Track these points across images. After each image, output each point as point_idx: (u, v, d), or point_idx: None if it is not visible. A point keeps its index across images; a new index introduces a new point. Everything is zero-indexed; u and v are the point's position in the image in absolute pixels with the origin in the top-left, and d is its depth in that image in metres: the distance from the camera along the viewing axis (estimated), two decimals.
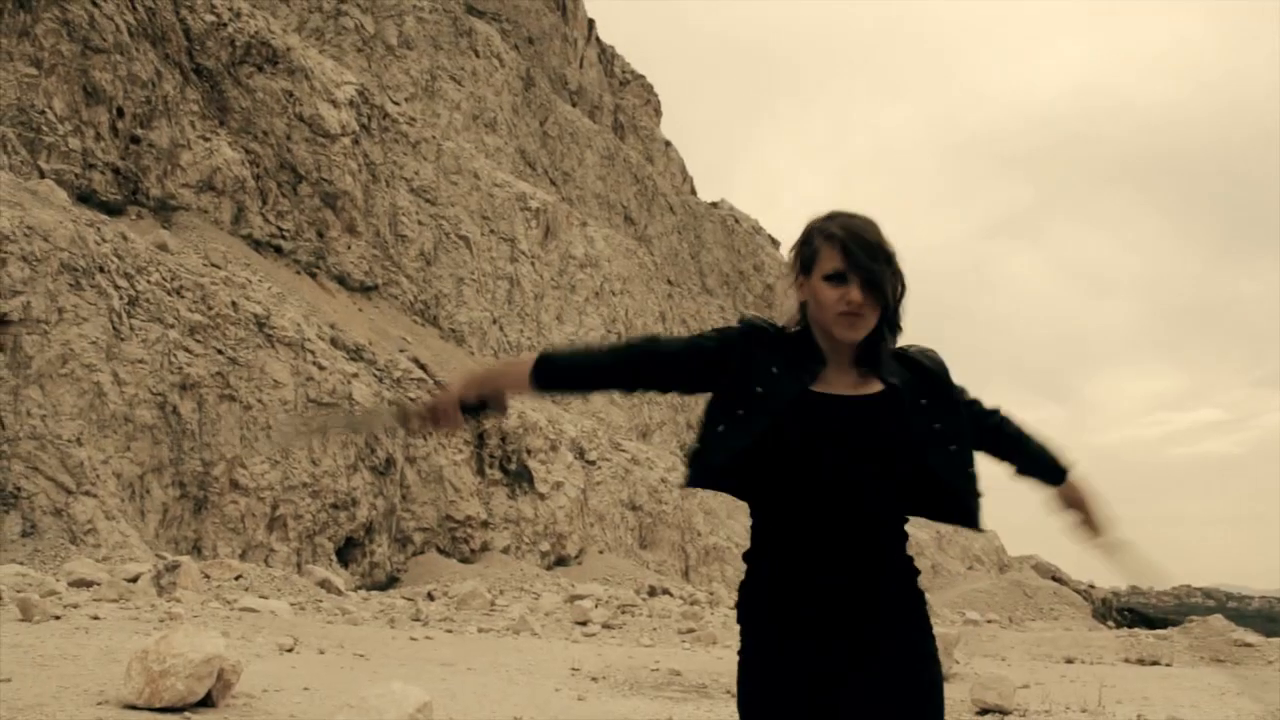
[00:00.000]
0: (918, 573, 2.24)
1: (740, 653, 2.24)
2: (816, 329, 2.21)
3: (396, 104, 40.65)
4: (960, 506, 2.25)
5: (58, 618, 10.20)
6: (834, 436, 2.13)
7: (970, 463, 2.25)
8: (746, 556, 2.25)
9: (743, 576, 2.26)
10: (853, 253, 2.12)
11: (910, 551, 2.24)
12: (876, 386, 2.20)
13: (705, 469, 2.21)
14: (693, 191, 66.95)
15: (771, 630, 2.17)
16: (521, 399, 2.42)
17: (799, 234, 2.24)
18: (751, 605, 2.21)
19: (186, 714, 6.21)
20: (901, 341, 2.29)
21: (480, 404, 2.30)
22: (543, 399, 1.92)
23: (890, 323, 2.19)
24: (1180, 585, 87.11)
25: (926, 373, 2.25)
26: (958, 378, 2.33)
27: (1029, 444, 2.39)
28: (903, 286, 2.19)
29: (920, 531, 62.80)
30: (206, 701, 6.45)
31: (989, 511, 2.29)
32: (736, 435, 2.17)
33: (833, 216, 2.20)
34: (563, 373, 2.27)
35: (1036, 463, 2.39)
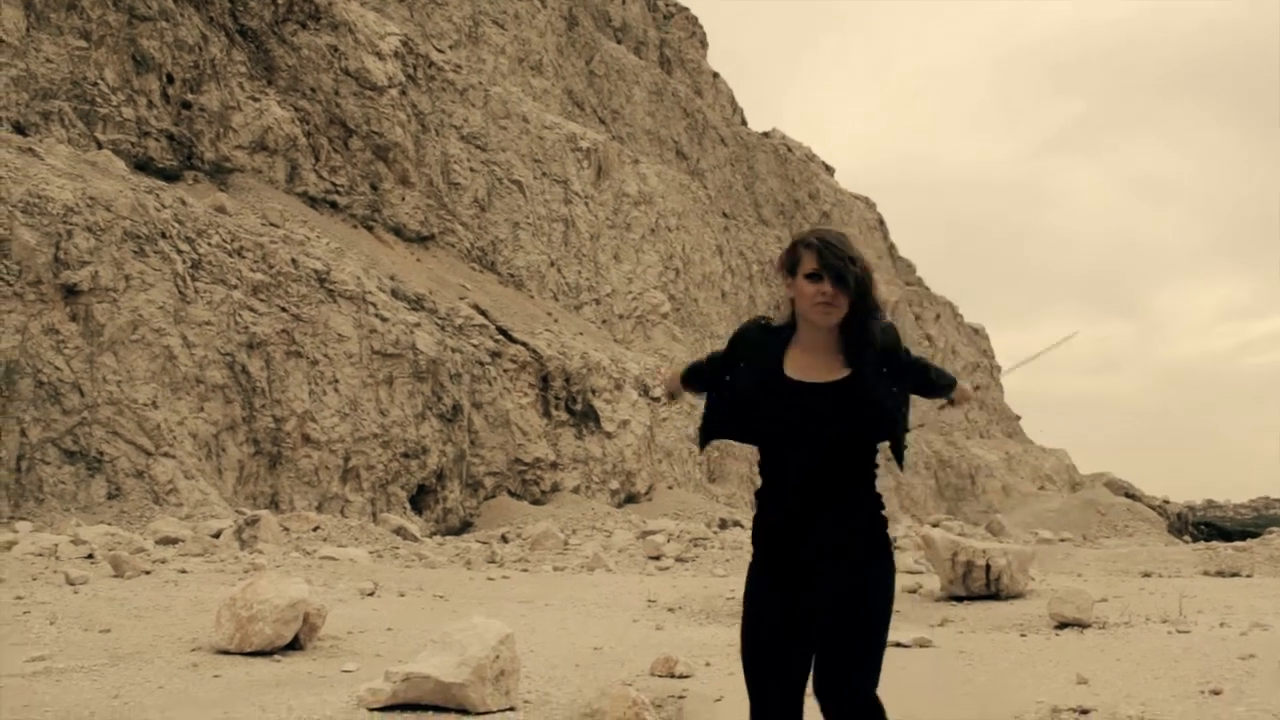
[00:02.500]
0: (879, 501, 3.00)
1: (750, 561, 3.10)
2: (802, 321, 2.97)
3: (441, 52, 40.48)
4: (890, 429, 2.97)
5: (148, 573, 10.52)
6: (794, 411, 2.91)
7: (905, 403, 3.04)
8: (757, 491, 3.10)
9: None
10: (825, 256, 2.88)
11: (877, 489, 3.02)
12: (843, 373, 2.92)
13: (702, 432, 3.21)
14: (743, 122, 66.06)
15: (759, 542, 3.04)
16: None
17: (787, 245, 3.04)
18: (755, 524, 3.05)
19: (276, 657, 6.38)
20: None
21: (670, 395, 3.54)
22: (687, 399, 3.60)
23: (864, 310, 2.90)
24: (1258, 497, 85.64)
25: (884, 347, 2.97)
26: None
27: (935, 378, 3.30)
28: (869, 282, 2.89)
29: (990, 454, 62.25)
30: (294, 645, 6.62)
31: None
32: (723, 400, 3.14)
33: (813, 231, 2.98)
34: (689, 380, 3.38)
35: (939, 387, 3.34)
